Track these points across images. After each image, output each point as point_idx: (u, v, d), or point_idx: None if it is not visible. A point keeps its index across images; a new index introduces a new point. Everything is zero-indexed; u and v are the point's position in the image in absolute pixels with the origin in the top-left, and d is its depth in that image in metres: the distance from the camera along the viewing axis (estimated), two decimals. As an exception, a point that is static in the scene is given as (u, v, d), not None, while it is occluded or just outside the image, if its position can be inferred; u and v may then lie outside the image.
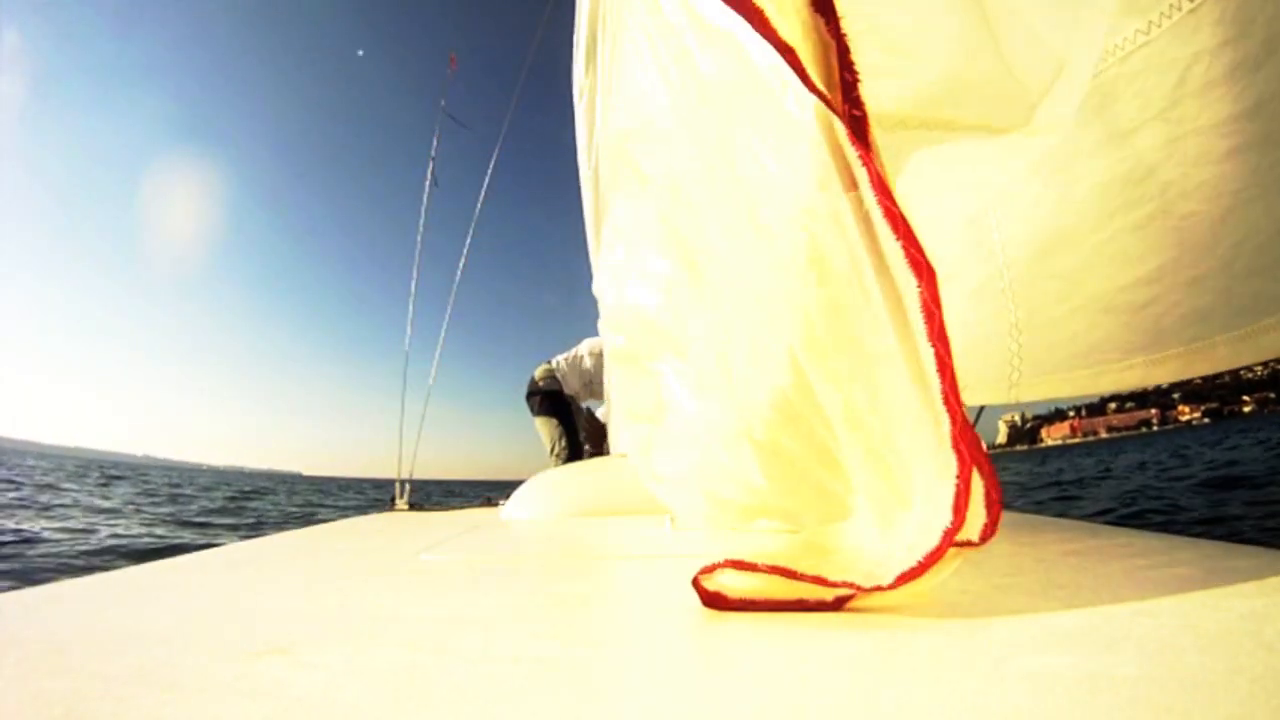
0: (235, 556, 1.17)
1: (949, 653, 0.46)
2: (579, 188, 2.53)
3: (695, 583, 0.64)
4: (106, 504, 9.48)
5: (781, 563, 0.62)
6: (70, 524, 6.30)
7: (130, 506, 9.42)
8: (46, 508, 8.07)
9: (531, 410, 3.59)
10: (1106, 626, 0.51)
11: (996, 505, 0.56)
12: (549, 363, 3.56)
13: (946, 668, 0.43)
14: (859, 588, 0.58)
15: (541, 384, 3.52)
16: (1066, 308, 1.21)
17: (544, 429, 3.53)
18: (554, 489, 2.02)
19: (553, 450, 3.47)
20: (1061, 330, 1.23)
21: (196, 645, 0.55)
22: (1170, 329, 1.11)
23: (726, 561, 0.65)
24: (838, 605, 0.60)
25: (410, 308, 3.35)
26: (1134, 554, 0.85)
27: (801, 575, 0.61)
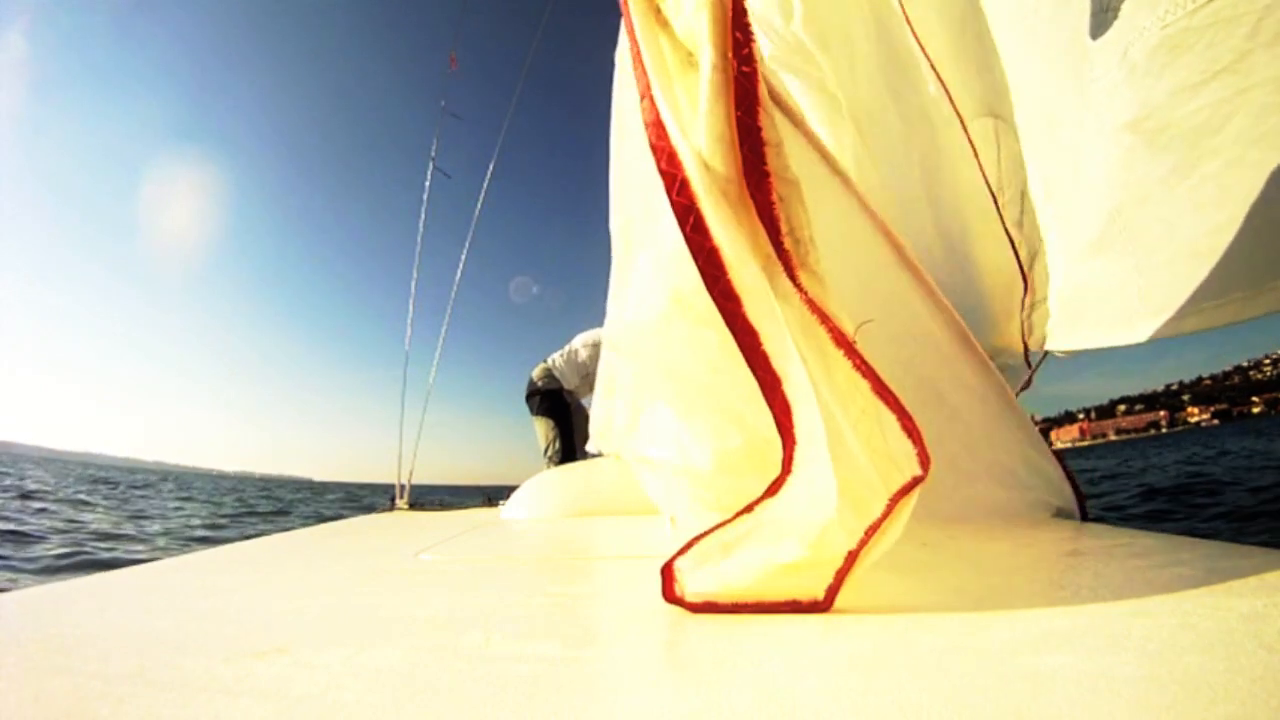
0: (235, 556, 1.17)
1: (948, 653, 0.46)
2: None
3: (678, 600, 0.64)
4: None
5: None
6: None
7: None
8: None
9: (531, 410, 3.59)
10: (1106, 626, 0.51)
11: (914, 430, 0.57)
12: (546, 362, 3.56)
13: (946, 668, 0.43)
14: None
15: (540, 384, 3.52)
16: (1168, 253, 1.28)
17: (540, 429, 3.54)
18: (554, 489, 2.02)
19: (546, 451, 3.48)
20: (1165, 274, 1.29)
21: (196, 645, 0.55)
22: (1239, 273, 1.18)
23: (676, 553, 0.66)
24: (829, 604, 0.60)
25: (410, 308, 3.36)
26: (1134, 554, 0.85)
27: (748, 507, 0.64)
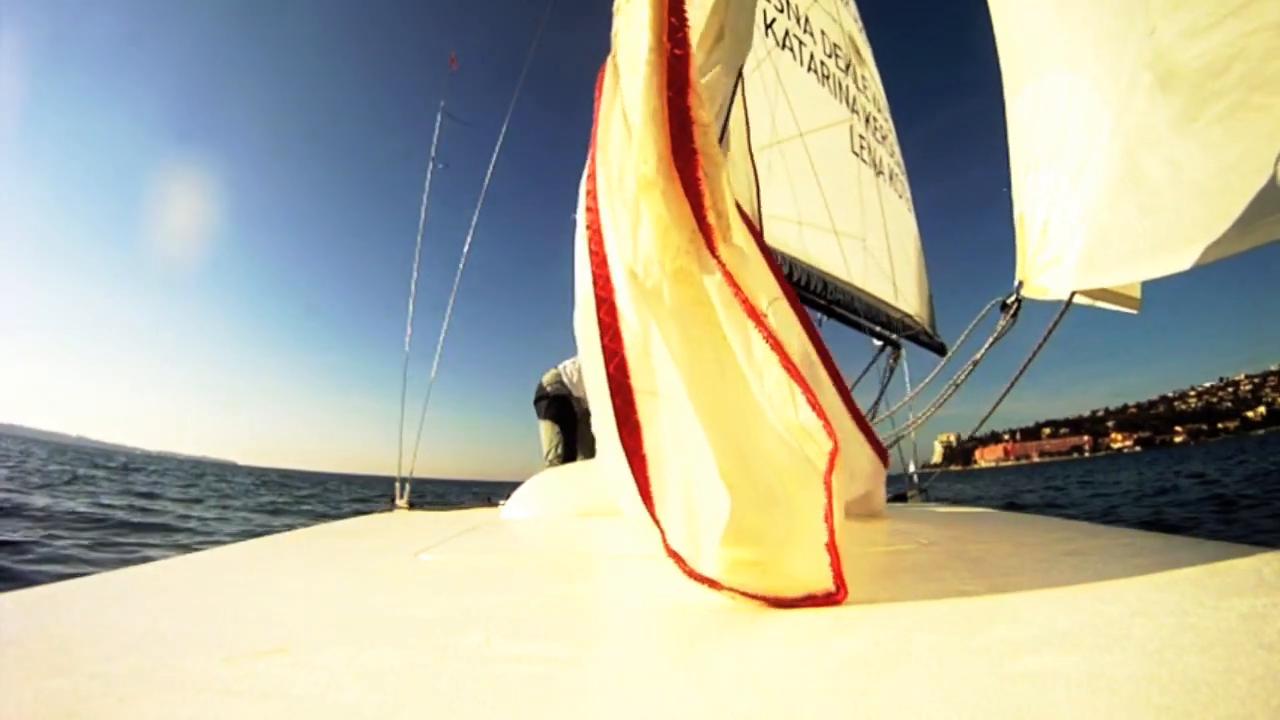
0: (235, 557, 1.17)
1: (948, 652, 0.46)
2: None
3: (698, 577, 0.66)
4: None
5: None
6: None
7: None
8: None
9: (538, 414, 3.60)
10: (1106, 626, 0.51)
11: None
12: (557, 368, 3.57)
13: (946, 668, 0.43)
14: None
15: (550, 389, 3.53)
16: (1174, 195, 1.30)
17: (545, 433, 3.55)
18: (554, 489, 2.02)
19: (548, 455, 3.49)
20: (1170, 215, 1.32)
21: (196, 645, 0.55)
22: (1239, 214, 1.20)
23: (663, 537, 0.70)
24: (842, 595, 0.61)
25: (410, 307, 3.35)
26: (1134, 554, 0.85)
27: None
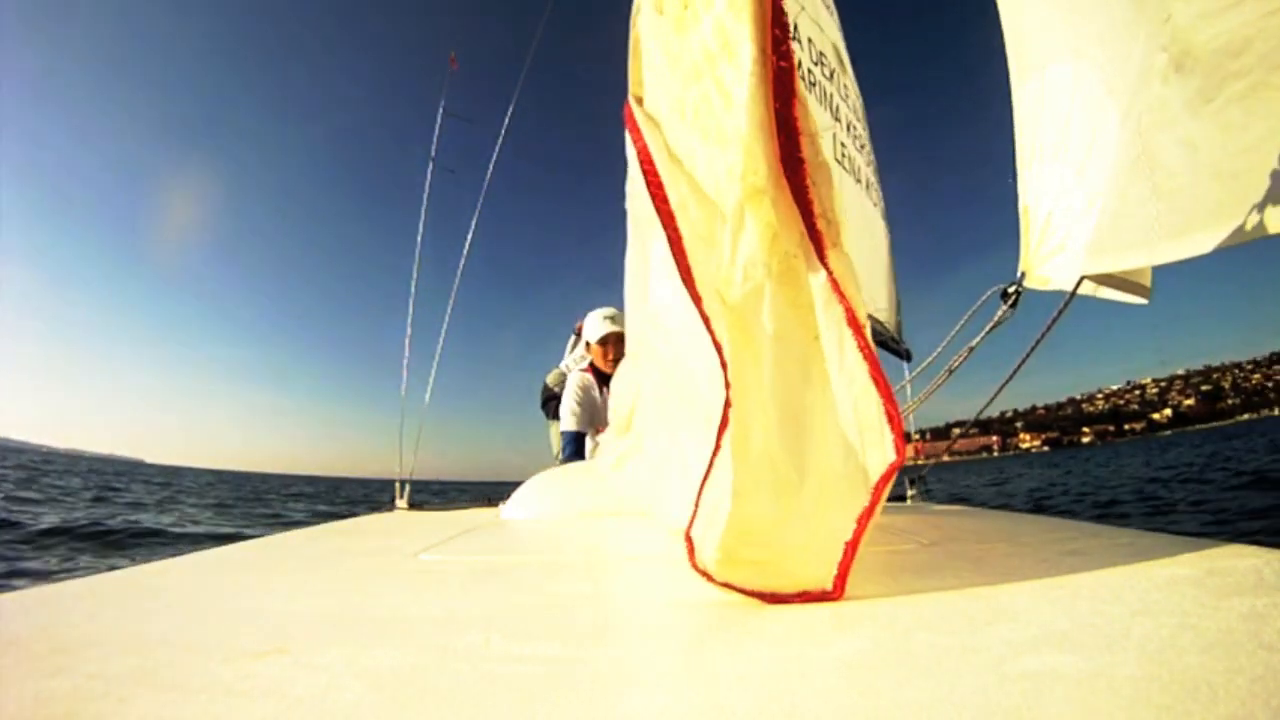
0: (235, 557, 1.17)
1: (948, 652, 0.46)
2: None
3: (701, 571, 0.67)
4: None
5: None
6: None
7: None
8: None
9: (546, 416, 3.58)
10: (1106, 626, 0.51)
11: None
12: (560, 366, 3.56)
13: (946, 667, 0.43)
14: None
15: (556, 389, 3.52)
16: (1188, 177, 1.29)
17: (556, 434, 3.53)
18: (555, 489, 2.02)
19: (559, 455, 3.48)
20: (1186, 197, 1.31)
21: (196, 645, 0.55)
22: (1258, 196, 1.19)
23: (690, 520, 0.71)
24: (839, 593, 0.62)
25: (410, 307, 3.35)
26: (1134, 554, 0.85)
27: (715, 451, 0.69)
